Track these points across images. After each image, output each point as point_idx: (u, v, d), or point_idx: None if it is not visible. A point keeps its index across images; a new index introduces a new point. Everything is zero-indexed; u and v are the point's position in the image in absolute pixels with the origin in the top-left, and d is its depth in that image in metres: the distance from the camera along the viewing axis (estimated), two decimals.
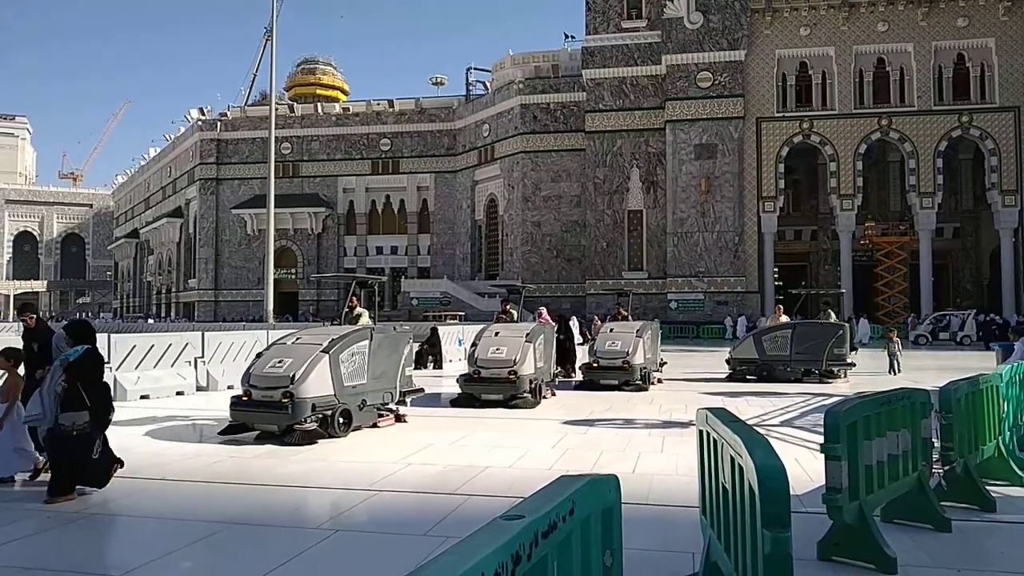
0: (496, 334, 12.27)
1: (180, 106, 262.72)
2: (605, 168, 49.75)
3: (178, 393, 13.33)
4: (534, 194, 52.93)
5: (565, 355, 16.57)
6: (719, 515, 3.33)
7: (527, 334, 12.04)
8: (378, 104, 64.25)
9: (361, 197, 63.40)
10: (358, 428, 9.08)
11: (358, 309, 10.99)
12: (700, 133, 46.66)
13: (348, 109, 66.27)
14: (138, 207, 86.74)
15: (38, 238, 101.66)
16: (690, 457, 7.83)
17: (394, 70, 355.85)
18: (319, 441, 8.35)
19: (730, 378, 16.22)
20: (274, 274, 37.97)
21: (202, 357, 14.36)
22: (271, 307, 36.36)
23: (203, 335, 14.90)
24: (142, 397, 12.59)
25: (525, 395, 11.49)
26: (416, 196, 62.83)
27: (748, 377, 15.97)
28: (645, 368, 14.07)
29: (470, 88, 63.76)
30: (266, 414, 8.37)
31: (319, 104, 67.26)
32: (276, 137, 38.70)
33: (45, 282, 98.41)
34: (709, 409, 3.56)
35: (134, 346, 13.06)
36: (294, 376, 8.28)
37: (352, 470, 7.00)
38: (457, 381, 12.27)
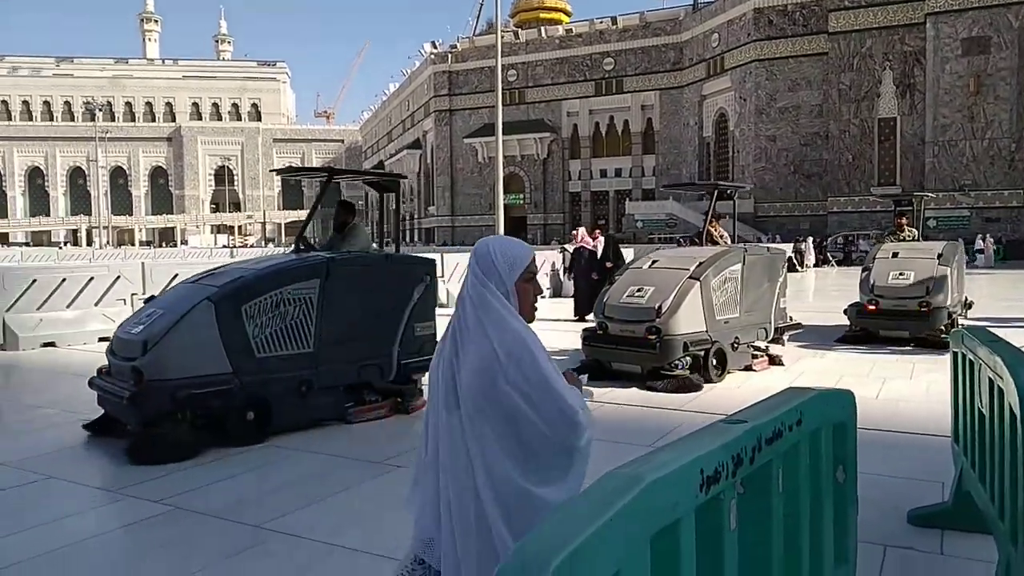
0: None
1: (415, 42, 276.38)
2: (852, 72, 45.07)
3: None
4: (768, 106, 49.47)
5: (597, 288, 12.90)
6: (974, 442, 3.05)
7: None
8: (601, 22, 63.10)
9: (584, 120, 63.32)
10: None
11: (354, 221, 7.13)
12: (969, 25, 40.44)
13: (571, 30, 65.85)
14: (382, 140, 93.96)
15: None
16: (942, 383, 7.16)
17: None
18: None
19: None
20: (504, 199, 39.64)
21: (442, 277, 15.56)
22: (502, 231, 38.17)
23: (442, 256, 16.11)
24: None
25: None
26: (640, 116, 61.48)
27: None
28: (954, 312, 9.82)
29: None
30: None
31: (543, 28, 67.43)
32: (502, 65, 39.60)
33: (308, 211, 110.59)
34: (966, 328, 3.22)
35: None
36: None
37: None
38: None
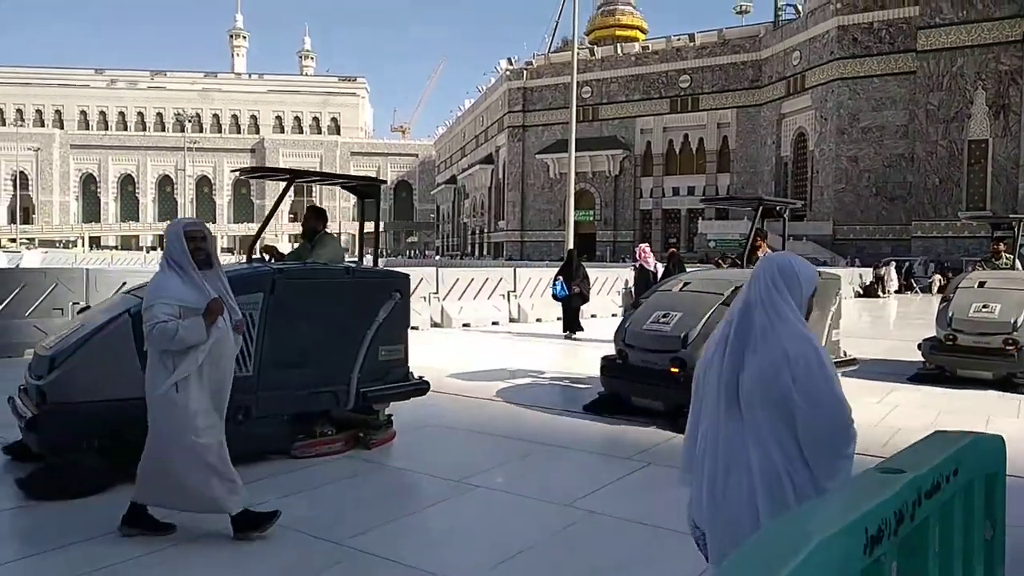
0: None
1: (491, 59, 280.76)
2: (941, 92, 43.28)
3: (493, 323, 14.49)
4: (851, 126, 47.92)
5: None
6: None
7: None
8: (678, 40, 62.45)
9: (658, 137, 62.64)
10: None
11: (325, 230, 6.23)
12: None
13: (647, 47, 65.37)
14: (455, 155, 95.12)
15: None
16: None
17: (695, 4, 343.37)
18: None
19: None
20: (574, 216, 39.41)
21: (514, 291, 15.44)
22: (572, 247, 37.93)
23: (515, 271, 16.00)
24: (464, 325, 13.93)
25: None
26: (716, 134, 60.45)
27: None
28: None
29: (779, 13, 59.12)
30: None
31: (618, 45, 67.16)
32: (576, 81, 39.48)
33: (382, 223, 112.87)
34: None
35: (457, 279, 14.49)
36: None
37: None
38: None
